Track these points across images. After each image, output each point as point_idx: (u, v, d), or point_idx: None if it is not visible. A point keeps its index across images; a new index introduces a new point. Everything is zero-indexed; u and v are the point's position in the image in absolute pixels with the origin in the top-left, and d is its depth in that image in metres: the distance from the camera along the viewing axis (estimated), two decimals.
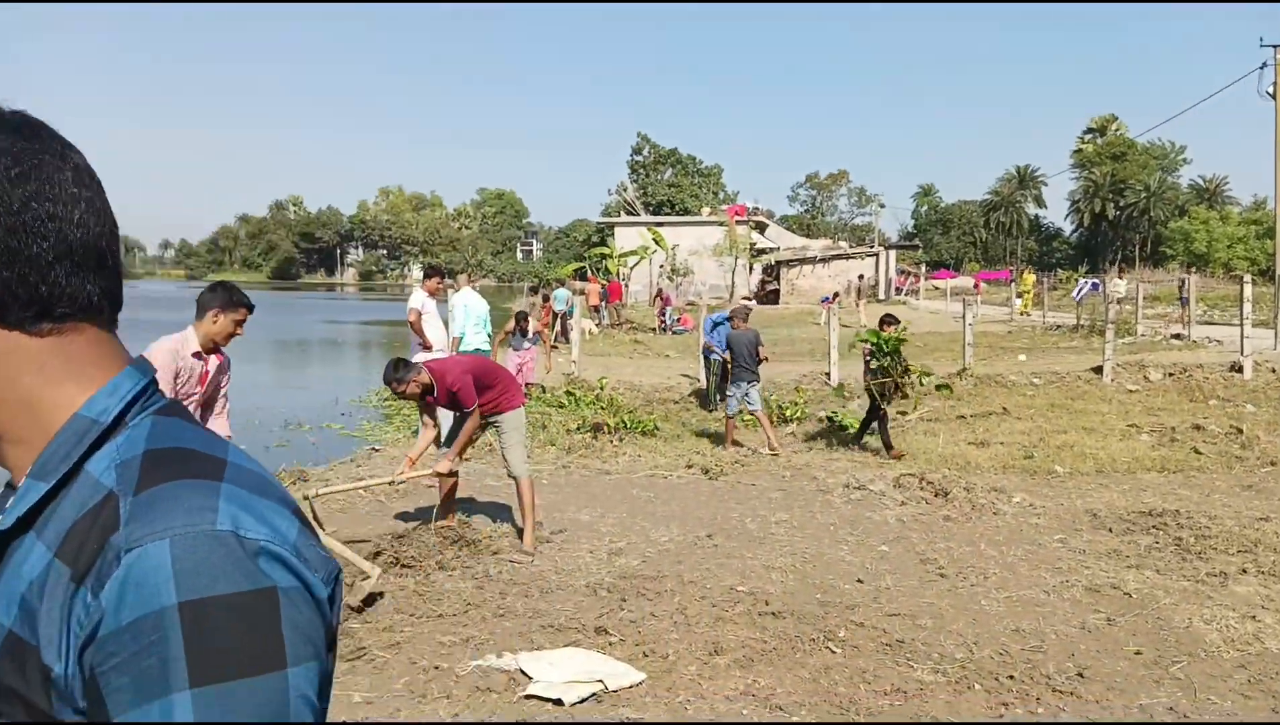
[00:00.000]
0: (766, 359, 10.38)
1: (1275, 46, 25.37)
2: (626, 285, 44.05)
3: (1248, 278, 17.14)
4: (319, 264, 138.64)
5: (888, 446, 9.57)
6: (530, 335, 12.59)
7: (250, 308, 4.58)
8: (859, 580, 5.49)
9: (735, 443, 9.89)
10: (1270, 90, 25.72)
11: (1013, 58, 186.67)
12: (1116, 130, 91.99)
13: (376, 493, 7.47)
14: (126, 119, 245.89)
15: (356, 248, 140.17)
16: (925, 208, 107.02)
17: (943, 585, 5.41)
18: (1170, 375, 14.45)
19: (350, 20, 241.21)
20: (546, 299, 26.24)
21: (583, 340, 17.27)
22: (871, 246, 59.74)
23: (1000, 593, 5.28)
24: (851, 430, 10.72)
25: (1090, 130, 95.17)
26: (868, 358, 9.81)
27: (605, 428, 10.51)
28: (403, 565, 5.55)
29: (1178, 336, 20.63)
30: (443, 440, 6.35)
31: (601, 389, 13.09)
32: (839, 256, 51.67)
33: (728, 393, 10.14)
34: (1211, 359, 15.85)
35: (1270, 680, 4.12)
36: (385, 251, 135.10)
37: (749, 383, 9.81)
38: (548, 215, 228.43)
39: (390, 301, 70.95)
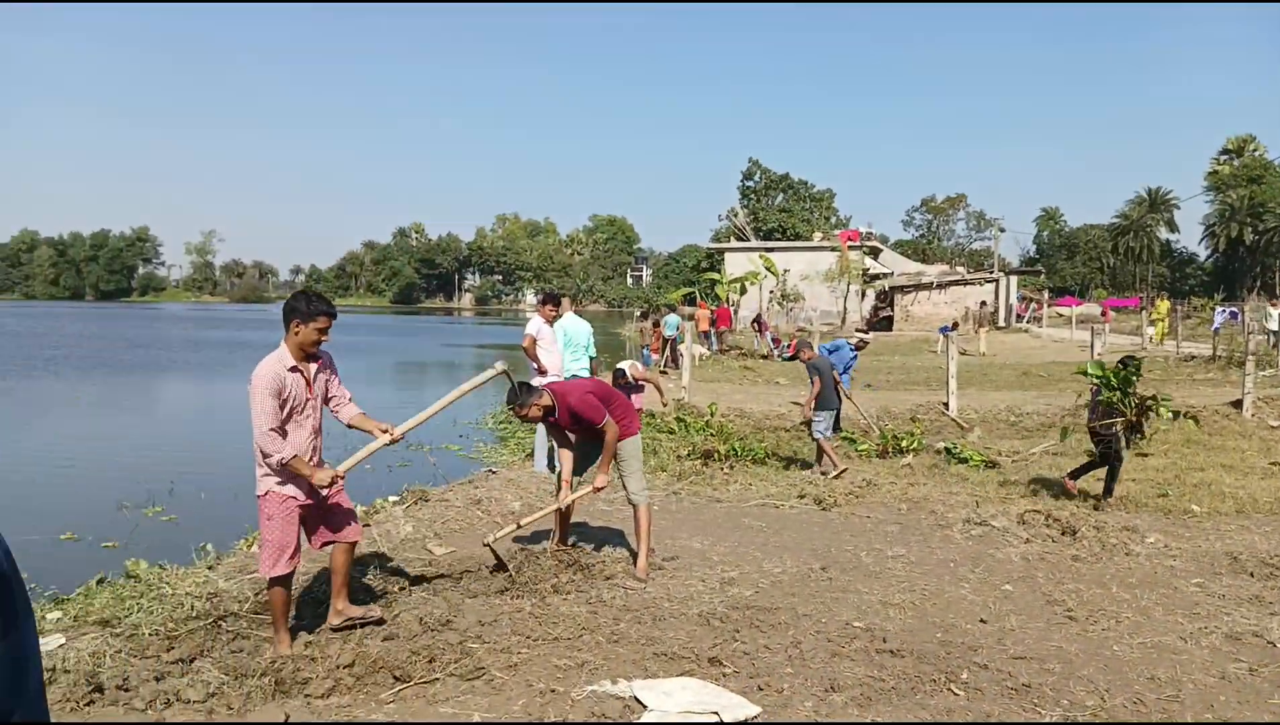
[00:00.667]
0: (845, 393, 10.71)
1: None
2: (736, 311, 44.02)
3: None
4: (438, 289, 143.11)
5: (1108, 493, 8.43)
6: (632, 381, 12.28)
7: (331, 314, 4.78)
8: (982, 620, 5.32)
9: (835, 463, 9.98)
10: None
11: (1141, 76, 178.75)
12: (1254, 151, 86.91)
13: (494, 513, 7.67)
14: (259, 151, 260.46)
15: (473, 273, 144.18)
16: (1048, 232, 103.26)
17: (1072, 628, 5.19)
18: None
19: (466, 52, 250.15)
20: (657, 325, 26.46)
21: (692, 366, 17.32)
22: (990, 272, 57.93)
23: (1134, 638, 5.03)
24: (973, 462, 10.42)
25: (1226, 151, 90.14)
26: (1095, 395, 8.63)
27: (716, 455, 10.50)
28: (520, 588, 5.68)
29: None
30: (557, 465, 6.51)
31: (711, 415, 13.09)
32: (956, 282, 50.34)
33: (815, 418, 10.16)
34: None
35: None
36: (500, 277, 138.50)
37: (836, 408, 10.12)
38: (658, 241, 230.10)
39: (504, 326, 72.72)
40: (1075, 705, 4.15)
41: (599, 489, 6.18)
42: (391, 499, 8.43)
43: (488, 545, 6.07)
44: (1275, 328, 24.41)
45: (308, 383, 4.80)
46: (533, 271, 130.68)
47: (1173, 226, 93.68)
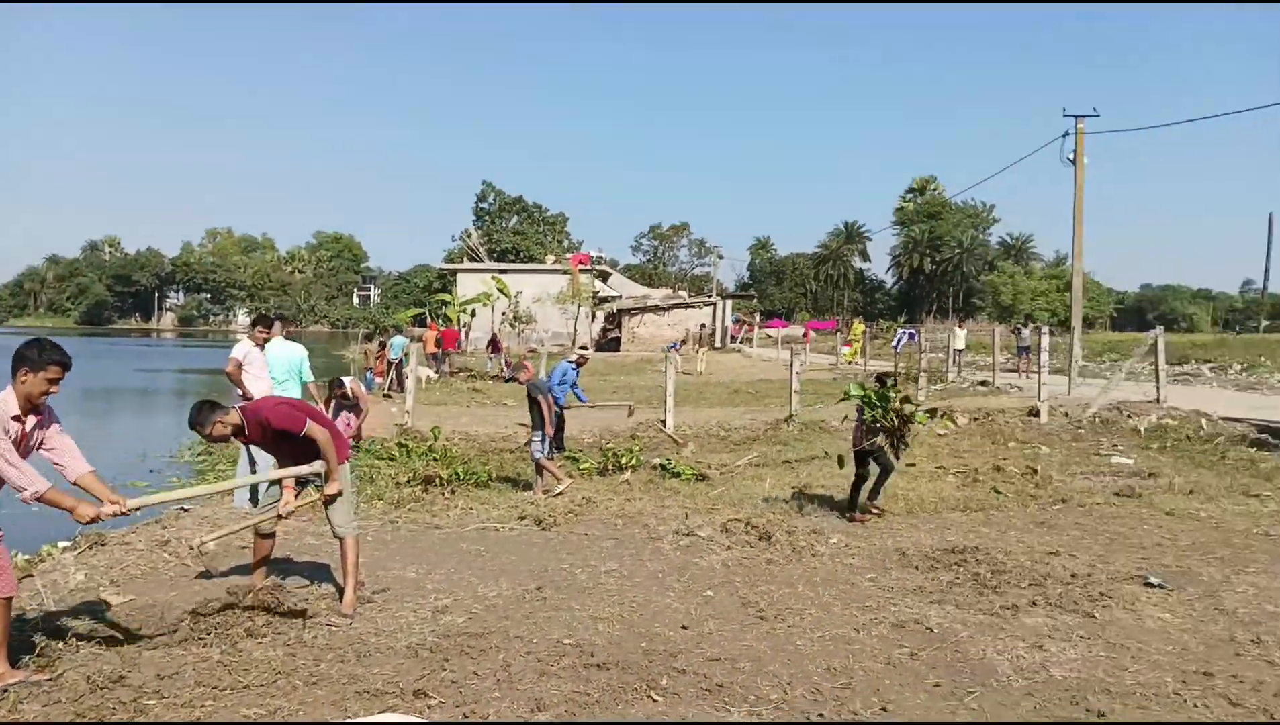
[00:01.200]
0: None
1: (1077, 117, 28.12)
2: (467, 332, 43.59)
3: (1045, 328, 18.75)
4: (134, 308, 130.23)
5: (862, 505, 8.91)
6: (350, 397, 11.84)
7: (64, 365, 4.53)
8: (684, 627, 5.58)
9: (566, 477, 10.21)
10: (1071, 157, 28.38)
11: (842, 117, 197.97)
12: (934, 190, 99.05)
13: (183, 556, 7.03)
14: None
15: (178, 291, 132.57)
16: (760, 259, 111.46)
17: (762, 628, 5.58)
18: (975, 420, 15.53)
19: (171, 49, 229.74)
20: (383, 346, 25.64)
21: (419, 389, 16.91)
22: (710, 296, 61.53)
23: (815, 632, 5.49)
24: (685, 476, 10.95)
25: (912, 190, 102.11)
26: (859, 415, 9.12)
27: (437, 480, 10.29)
28: (206, 634, 5.23)
29: (984, 383, 22.20)
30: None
31: (435, 439, 12.84)
32: (679, 305, 52.97)
33: (533, 437, 10.31)
34: (1012, 404, 17.17)
35: (1054, 707, 4.45)
36: (209, 296, 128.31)
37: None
38: (388, 260, 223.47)
39: (211, 348, 67.20)
40: (760, 700, 4.45)
41: (331, 495, 5.78)
42: (62, 545, 7.51)
43: (198, 547, 5.85)
44: (960, 347, 27.61)
45: (23, 434, 4.52)
46: (247, 290, 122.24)
47: (865, 256, 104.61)
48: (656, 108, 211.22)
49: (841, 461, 9.52)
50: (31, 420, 4.55)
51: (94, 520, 4.59)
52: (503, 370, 29.67)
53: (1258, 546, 7.68)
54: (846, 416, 10.17)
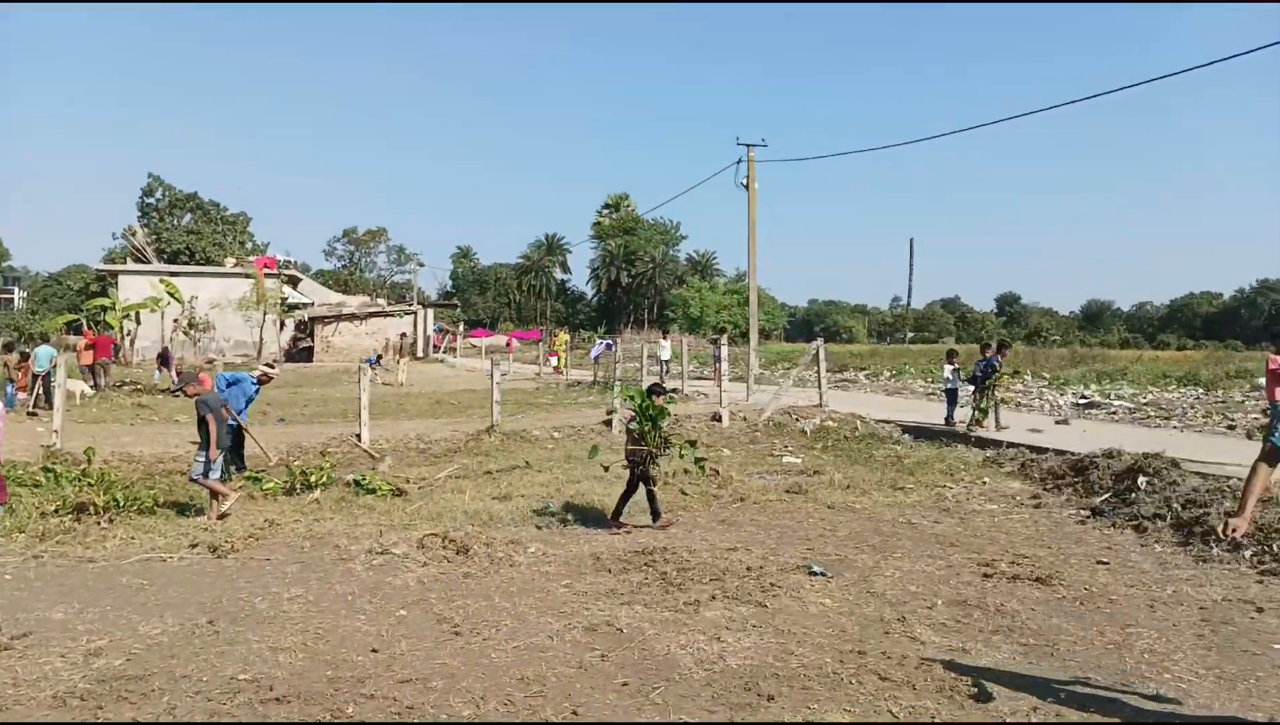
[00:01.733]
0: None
1: (749, 145, 30.57)
2: (132, 341, 39.33)
3: (723, 340, 20.22)
4: None
5: (656, 515, 8.97)
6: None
7: None
8: (374, 650, 5.38)
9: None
10: (744, 181, 30.83)
11: (548, 127, 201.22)
12: (628, 207, 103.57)
13: None
14: None
15: None
16: (463, 268, 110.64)
17: (457, 643, 5.51)
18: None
19: None
20: (25, 357, 22.40)
21: (71, 405, 14.97)
22: (411, 304, 60.04)
23: (510, 643, 5.51)
24: (380, 492, 10.57)
25: (607, 206, 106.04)
26: (629, 422, 9.14)
27: (92, 508, 9.15)
28: None
29: (675, 390, 23.53)
30: None
31: (89, 462, 11.42)
32: (377, 314, 51.20)
33: (196, 458, 9.48)
34: (699, 409, 18.33)
35: (730, 694, 4.78)
36: None
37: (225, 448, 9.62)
38: (34, 259, 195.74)
39: None
40: (453, 717, 4.39)
41: None
42: None
43: None
44: (667, 357, 28.46)
45: None
46: None
47: (566, 268, 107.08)
48: (350, 104, 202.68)
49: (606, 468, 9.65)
50: None
51: None
52: (172, 384, 27.06)
53: (903, 534, 8.76)
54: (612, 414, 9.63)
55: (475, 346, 57.10)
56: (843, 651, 5.43)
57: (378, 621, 5.95)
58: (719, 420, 16.59)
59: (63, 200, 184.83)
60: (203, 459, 9.32)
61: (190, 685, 4.78)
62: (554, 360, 35.56)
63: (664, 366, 27.57)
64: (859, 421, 16.42)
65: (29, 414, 19.19)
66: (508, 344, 53.01)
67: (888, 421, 16.53)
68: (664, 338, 31.32)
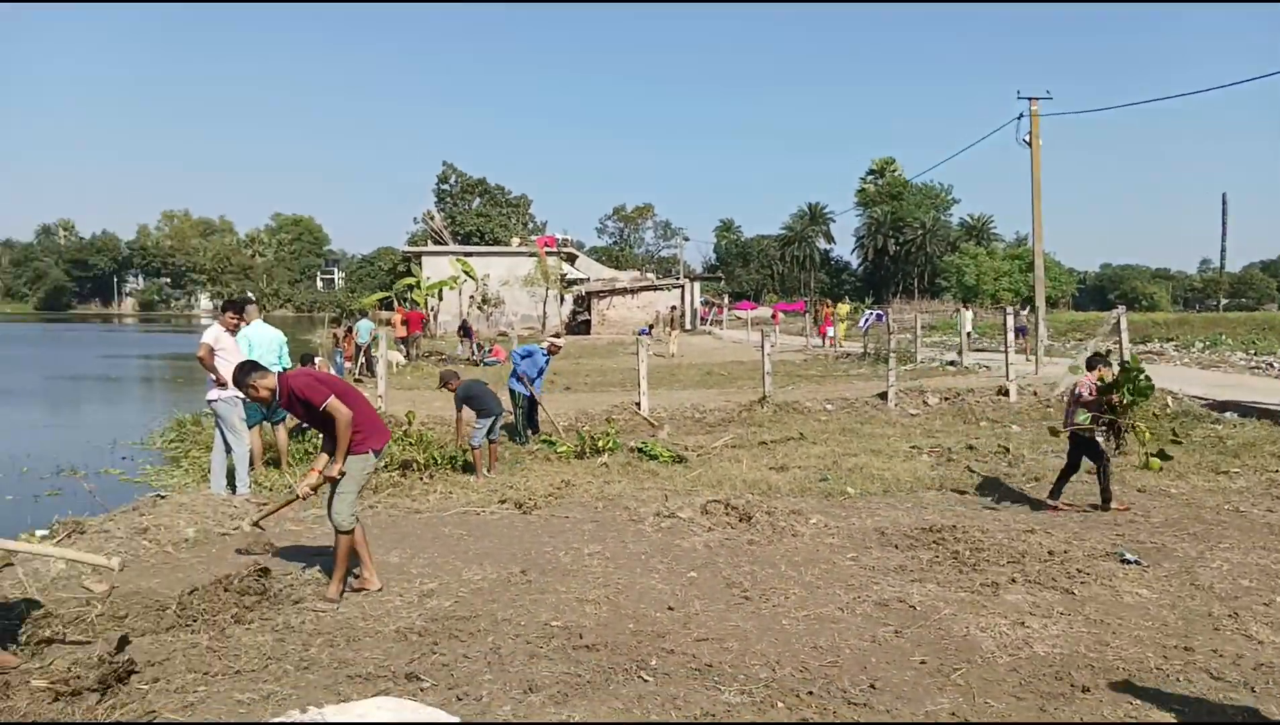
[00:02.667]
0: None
1: (1031, 99, 28.37)
2: (435, 316, 43.29)
3: (1010, 309, 18.98)
4: (93, 293, 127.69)
5: (1107, 499, 8.37)
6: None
7: None
8: (669, 608, 5.63)
9: (487, 469, 10.24)
10: (1026, 138, 28.66)
11: (805, 98, 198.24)
12: (894, 171, 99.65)
13: (163, 542, 6.97)
14: None
15: (136, 276, 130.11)
16: (726, 242, 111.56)
17: (748, 608, 5.64)
18: (946, 400, 15.73)
19: (124, 30, 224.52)
20: (350, 331, 25.38)
21: (389, 373, 16.79)
22: (677, 278, 61.52)
23: (799, 611, 5.56)
24: (662, 459, 10.98)
25: (871, 171, 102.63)
26: (1080, 395, 8.62)
27: (414, 464, 10.26)
28: (193, 620, 5.19)
29: (954, 362, 22.47)
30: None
31: (410, 424, 12.76)
32: (647, 287, 52.92)
33: (476, 427, 10.27)
34: (982, 384, 17.39)
35: (1039, 682, 4.55)
36: (169, 280, 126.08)
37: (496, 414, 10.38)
38: (350, 243, 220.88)
39: (175, 333, 66.20)
40: (750, 679, 4.51)
41: (316, 485, 5.85)
42: (40, 534, 7.39)
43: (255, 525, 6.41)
44: (969, 329, 25.37)
45: None
46: (207, 274, 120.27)
47: (830, 237, 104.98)
48: (619, 88, 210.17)
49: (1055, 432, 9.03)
50: None
51: None
52: (474, 354, 29.56)
53: (1229, 522, 7.87)
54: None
55: (740, 318, 57.57)
56: (1166, 646, 4.99)
57: (670, 581, 6.21)
58: (1005, 394, 15.66)
59: (371, 189, 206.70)
60: (481, 426, 10.15)
61: (510, 628, 5.25)
62: (830, 331, 34.42)
63: (966, 339, 24.50)
64: (1169, 397, 14.86)
65: (355, 381, 21.74)
66: (773, 316, 52.93)
67: (1203, 398, 14.83)
68: (964, 308, 28.48)
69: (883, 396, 15.90)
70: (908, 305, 65.02)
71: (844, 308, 38.87)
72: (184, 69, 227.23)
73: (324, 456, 5.88)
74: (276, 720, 3.93)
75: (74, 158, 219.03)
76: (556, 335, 13.50)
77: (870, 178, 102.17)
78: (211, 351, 8.81)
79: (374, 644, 5.00)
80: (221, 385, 8.66)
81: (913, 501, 8.88)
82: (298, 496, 6.07)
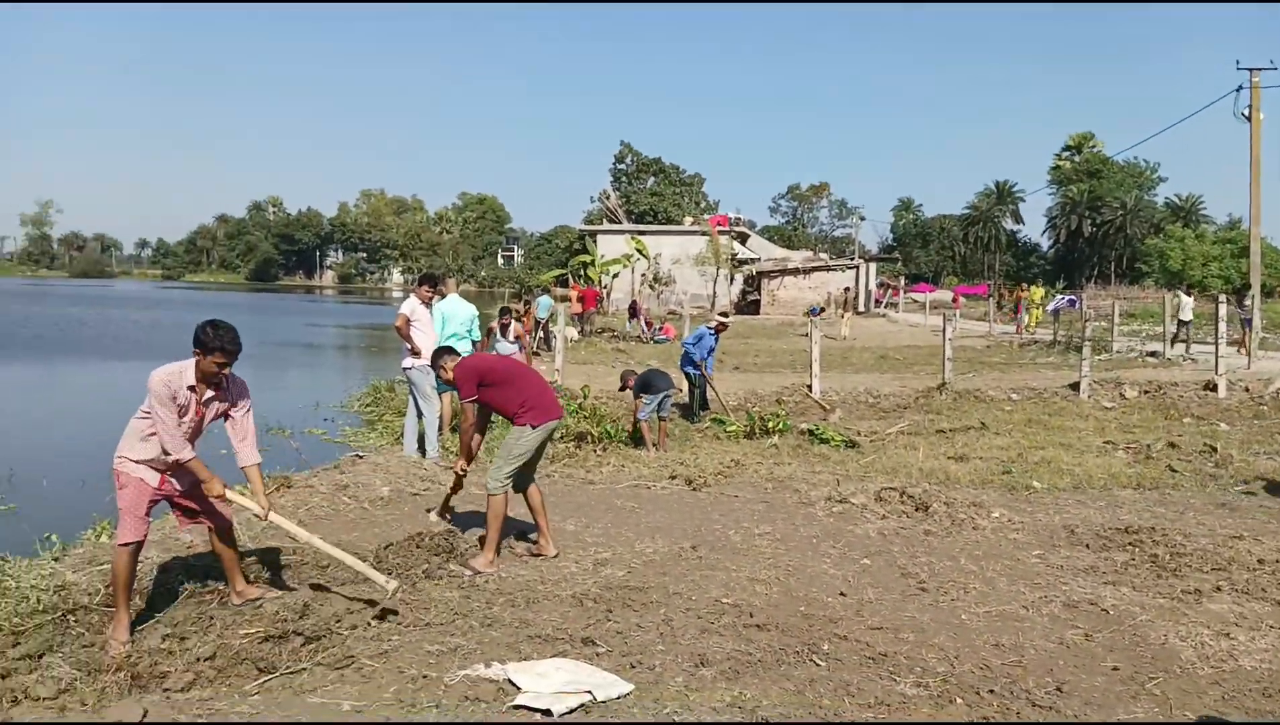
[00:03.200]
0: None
1: (1252, 70, 25.79)
2: (608, 293, 44.16)
3: (1223, 297, 17.41)
4: (298, 266, 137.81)
5: None
6: (512, 338, 12.64)
7: (229, 352, 4.82)
8: (842, 593, 5.55)
9: (655, 445, 10.60)
10: (1246, 112, 26.07)
11: (994, 73, 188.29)
12: (1093, 147, 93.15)
13: (361, 499, 7.49)
14: (102, 117, 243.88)
15: (336, 250, 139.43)
16: (905, 221, 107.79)
17: (924, 599, 5.49)
18: (1146, 393, 14.67)
19: (332, 19, 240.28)
20: (529, 305, 26.27)
21: (565, 348, 17.30)
22: (852, 258, 60.06)
23: (980, 607, 5.36)
24: (834, 443, 10.80)
25: (1068, 147, 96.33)
26: None
27: (589, 437, 10.54)
28: (388, 573, 5.57)
29: (1153, 354, 20.89)
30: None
31: (585, 397, 13.11)
32: (820, 268, 51.95)
33: (645, 401, 10.64)
34: (1186, 377, 16.10)
35: (1244, 697, 4.21)
36: (365, 254, 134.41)
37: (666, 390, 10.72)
38: (530, 220, 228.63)
39: (369, 305, 70.60)
40: (927, 672, 4.39)
41: (462, 470, 6.27)
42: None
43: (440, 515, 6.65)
44: (1188, 318, 22.55)
45: (198, 403, 4.88)
46: (399, 249, 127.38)
47: (1018, 218, 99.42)
48: (793, 64, 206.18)
49: None
50: (208, 393, 4.89)
51: (220, 497, 4.94)
52: (643, 332, 29.98)
53: None
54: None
55: (917, 301, 55.61)
56: None
57: (843, 566, 6.13)
58: (1213, 390, 14.43)
59: (549, 170, 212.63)
60: (650, 401, 10.36)
61: (682, 602, 5.32)
62: (1021, 317, 32.34)
63: (1184, 328, 21.99)
64: None
65: (532, 354, 22.53)
66: (954, 299, 50.80)
67: None
68: (1185, 294, 23.59)
69: (1074, 387, 14.99)
70: (1103, 291, 60.87)
71: (1038, 292, 36.44)
72: (383, 62, 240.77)
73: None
74: (464, 672, 4.17)
75: (283, 140, 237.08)
76: (724, 313, 13.53)
77: (1066, 154, 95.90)
78: (408, 322, 9.34)
79: (552, 607, 5.19)
80: (415, 354, 9.18)
81: (1106, 499, 8.35)
82: (456, 482, 6.47)
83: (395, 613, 4.92)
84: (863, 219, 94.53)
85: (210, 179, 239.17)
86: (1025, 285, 39.40)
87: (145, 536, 4.90)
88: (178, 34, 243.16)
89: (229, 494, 4.99)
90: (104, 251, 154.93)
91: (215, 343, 4.75)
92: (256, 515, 5.10)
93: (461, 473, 6.30)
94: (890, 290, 60.05)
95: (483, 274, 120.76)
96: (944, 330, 16.30)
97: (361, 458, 9.13)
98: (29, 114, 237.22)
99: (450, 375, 6.18)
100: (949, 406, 14.09)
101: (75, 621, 4.91)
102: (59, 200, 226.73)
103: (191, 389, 4.81)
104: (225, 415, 5.04)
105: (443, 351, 6.41)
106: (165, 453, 4.80)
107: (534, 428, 6.04)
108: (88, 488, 9.01)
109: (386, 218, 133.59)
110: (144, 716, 3.74)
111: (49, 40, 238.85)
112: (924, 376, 17.54)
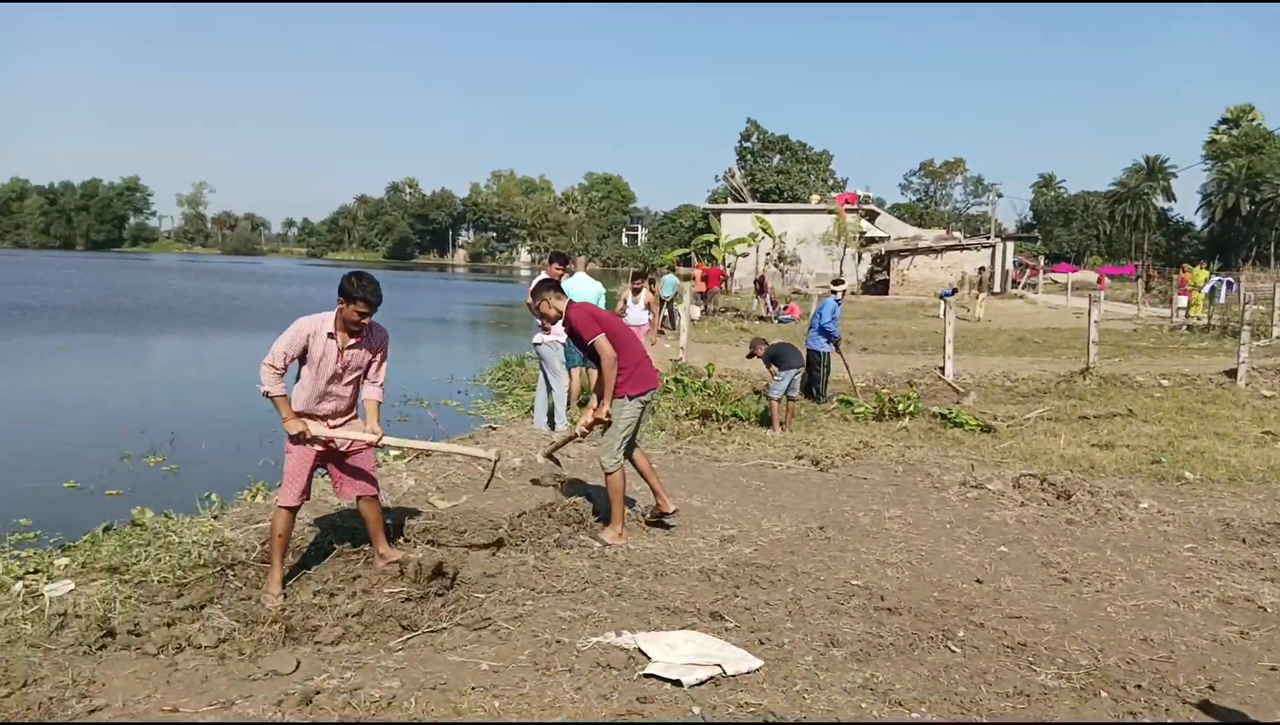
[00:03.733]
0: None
1: None
2: (732, 272, 43.91)
3: None
4: (432, 245, 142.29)
5: None
6: (644, 305, 12.60)
7: (370, 302, 4.99)
8: (978, 580, 5.40)
9: (782, 424, 10.43)
10: None
11: (1144, 41, 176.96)
12: (1253, 121, 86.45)
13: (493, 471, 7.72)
14: (251, 105, 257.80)
15: (468, 229, 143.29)
16: (1045, 198, 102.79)
17: (1066, 590, 5.28)
18: None
19: (463, 8, 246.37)
20: (653, 283, 26.40)
21: (689, 327, 17.33)
22: (987, 237, 57.74)
23: (1127, 600, 5.12)
24: (968, 426, 10.48)
25: (1225, 121, 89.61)
26: None
27: (714, 415, 10.55)
28: (522, 541, 5.75)
29: None
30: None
31: (709, 376, 13.12)
32: (953, 247, 50.16)
33: (777, 378, 10.51)
34: None
35: None
36: (495, 234, 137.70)
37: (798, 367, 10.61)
38: (654, 200, 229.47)
39: (500, 283, 72.41)
40: (1070, 664, 4.23)
41: (590, 424, 5.94)
42: (393, 454, 8.48)
43: (547, 456, 6.97)
44: None
45: (339, 351, 5.07)
46: (527, 229, 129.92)
47: (1170, 195, 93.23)
48: (926, 37, 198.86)
49: None
50: (350, 340, 5.07)
51: (299, 437, 5.03)
52: (768, 311, 29.69)
53: None
54: None
55: (1057, 282, 53.06)
56: None
57: (978, 553, 5.95)
58: None
59: (674, 149, 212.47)
60: (781, 379, 10.26)
61: (810, 581, 5.29)
62: (1183, 301, 30.09)
63: None
64: None
65: (658, 333, 22.66)
66: (1099, 280, 48.25)
67: None
68: None
69: (1231, 374, 14.05)
70: (1263, 273, 56.63)
71: (1201, 274, 33.23)
72: (512, 47, 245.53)
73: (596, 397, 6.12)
74: (596, 639, 4.27)
75: (419, 124, 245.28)
76: (836, 281, 13.18)
77: (1223, 127, 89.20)
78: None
79: (679, 580, 5.24)
80: (545, 330, 9.38)
81: (1265, 493, 7.81)
82: (578, 434, 6.17)
83: (501, 544, 5.39)
84: (999, 196, 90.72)
85: (352, 162, 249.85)
86: (1186, 266, 36.44)
87: (303, 501, 5.19)
88: (321, 30, 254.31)
89: (324, 431, 5.09)
90: (254, 230, 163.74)
91: (358, 292, 4.95)
92: (369, 443, 5.25)
93: (597, 423, 5.95)
94: (1028, 270, 57.47)
95: (607, 253, 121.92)
96: (1089, 312, 15.52)
97: (494, 428, 9.41)
98: (189, 101, 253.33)
99: (549, 311, 6.05)
100: (1093, 392, 13.43)
101: (234, 575, 5.27)
102: (212, 181, 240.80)
103: (331, 336, 5.02)
104: (369, 364, 5.23)
105: (549, 284, 6.28)
106: (315, 401, 5.07)
107: (630, 398, 5.95)
108: (243, 452, 9.62)
109: (515, 198, 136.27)
110: (297, 665, 3.99)
111: (205, 36, 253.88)
112: (1065, 360, 16.76)
